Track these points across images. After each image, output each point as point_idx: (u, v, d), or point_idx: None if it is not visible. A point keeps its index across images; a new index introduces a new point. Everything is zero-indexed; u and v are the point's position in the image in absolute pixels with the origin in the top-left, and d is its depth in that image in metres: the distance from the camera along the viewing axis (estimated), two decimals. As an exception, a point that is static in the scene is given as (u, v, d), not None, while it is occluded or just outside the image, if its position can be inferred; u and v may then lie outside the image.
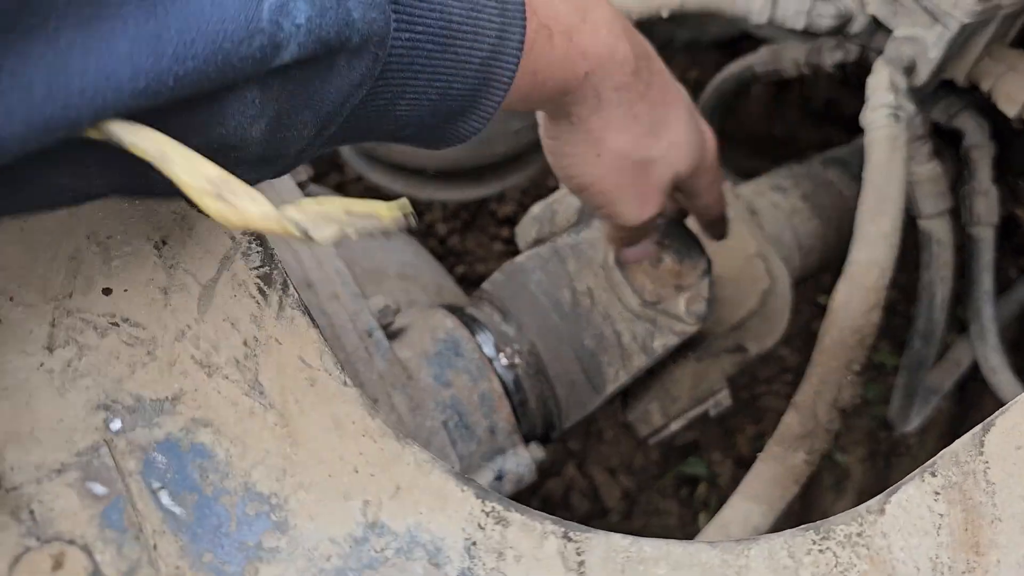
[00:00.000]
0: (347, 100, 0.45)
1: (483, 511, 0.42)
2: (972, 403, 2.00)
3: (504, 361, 0.96)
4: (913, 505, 0.43)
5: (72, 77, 0.33)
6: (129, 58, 0.34)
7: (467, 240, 2.13)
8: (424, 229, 2.09)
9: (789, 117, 2.36)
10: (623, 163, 0.69)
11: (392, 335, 0.96)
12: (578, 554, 0.41)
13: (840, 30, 1.05)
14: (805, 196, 1.16)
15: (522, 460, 0.95)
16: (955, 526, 0.42)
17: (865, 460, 1.96)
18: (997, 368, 1.20)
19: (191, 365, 0.44)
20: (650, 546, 0.41)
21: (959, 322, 2.05)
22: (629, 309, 0.94)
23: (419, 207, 2.12)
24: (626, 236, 0.85)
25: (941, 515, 0.43)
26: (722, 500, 1.81)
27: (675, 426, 1.01)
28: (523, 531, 0.41)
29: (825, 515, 1.67)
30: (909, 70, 0.98)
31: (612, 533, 0.42)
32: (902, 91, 0.97)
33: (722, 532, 0.82)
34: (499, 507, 0.42)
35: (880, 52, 1.05)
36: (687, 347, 1.01)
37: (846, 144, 1.34)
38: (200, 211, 0.38)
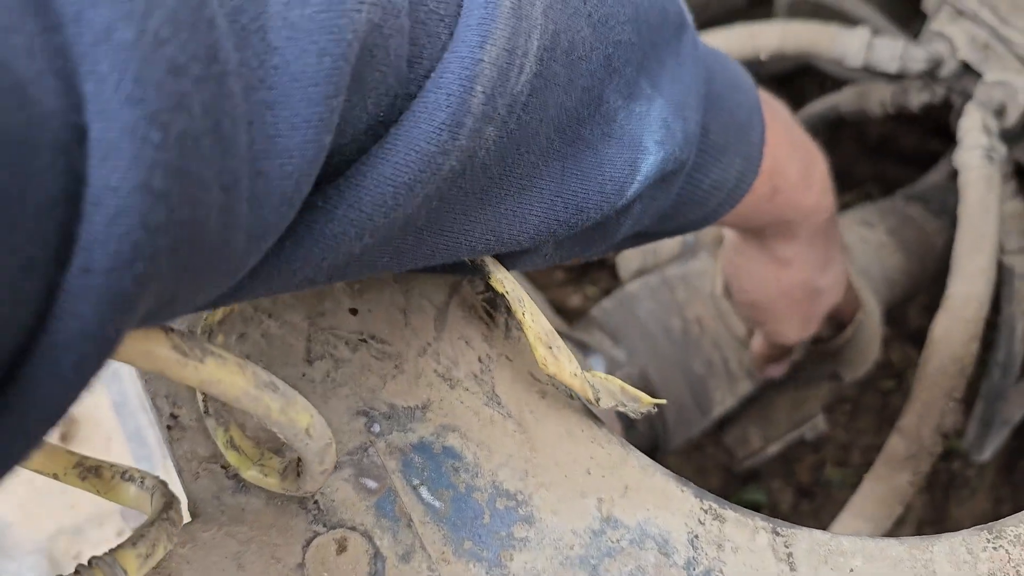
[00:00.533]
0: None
1: (702, 508, 0.47)
2: (1032, 435, 2.02)
3: (615, 385, 1.01)
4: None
5: (496, 232, 0.45)
6: (537, 222, 0.46)
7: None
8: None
9: (845, 150, 2.41)
10: (798, 290, 0.79)
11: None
12: (786, 546, 0.46)
13: (930, 74, 1.11)
14: (891, 231, 1.21)
15: (631, 478, 1.00)
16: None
17: (924, 491, 1.99)
18: (1075, 401, 1.24)
19: (435, 378, 0.50)
20: (847, 541, 0.46)
21: None
22: (736, 337, 1.00)
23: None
24: (775, 353, 0.94)
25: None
26: (788, 526, 1.84)
27: (773, 449, 1.06)
28: (737, 526, 0.47)
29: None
30: (999, 113, 1.04)
31: (814, 529, 0.48)
32: (994, 133, 1.03)
33: (834, 549, 0.86)
34: (715, 505, 0.47)
35: (964, 94, 1.11)
36: (787, 374, 1.06)
37: (921, 180, 1.39)
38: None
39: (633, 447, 0.50)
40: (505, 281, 0.48)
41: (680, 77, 0.54)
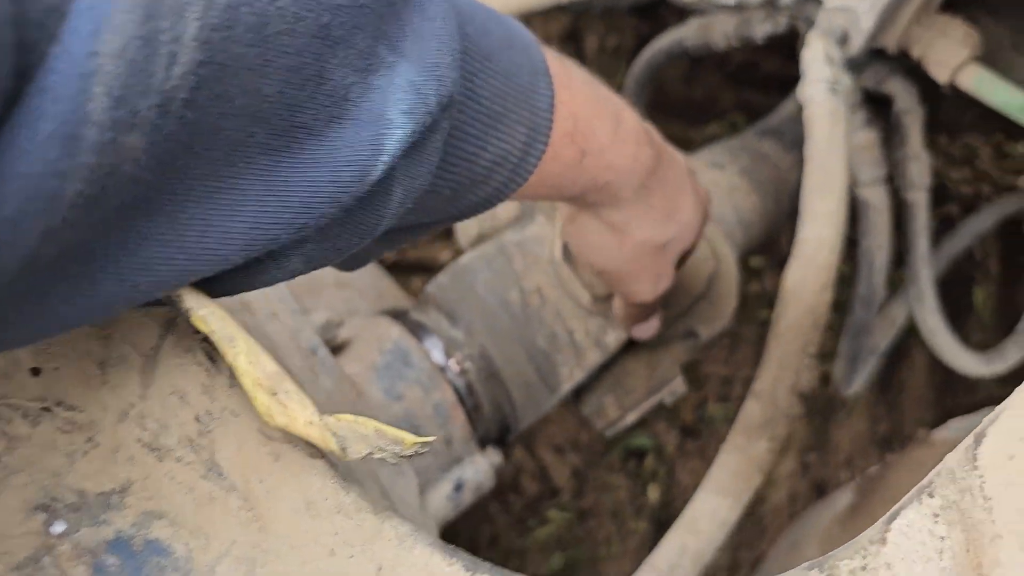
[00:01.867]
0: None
1: (475, 585, 0.39)
2: (902, 356, 2.05)
3: (455, 368, 0.93)
4: (914, 530, 0.42)
5: (185, 251, 0.37)
6: (245, 228, 0.38)
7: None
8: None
9: (707, 80, 2.36)
10: (642, 250, 0.73)
11: (336, 350, 0.92)
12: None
13: (771, 2, 1.03)
14: (743, 171, 1.15)
15: (480, 467, 0.93)
16: (957, 548, 0.41)
17: (804, 417, 1.99)
18: (936, 330, 1.22)
19: (138, 449, 0.40)
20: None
21: (895, 281, 2.09)
22: (580, 305, 0.92)
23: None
24: (639, 312, 0.86)
25: (942, 538, 0.42)
26: (669, 470, 1.82)
27: (631, 417, 1.00)
28: (520, 602, 0.39)
29: (770, 475, 1.67)
30: (842, 41, 0.97)
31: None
32: (837, 63, 0.96)
33: (692, 528, 0.81)
34: (491, 579, 0.39)
35: (809, 22, 1.04)
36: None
37: (774, 111, 1.33)
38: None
39: (392, 512, 0.41)
40: (210, 317, 0.38)
41: (429, 33, 0.45)
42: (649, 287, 0.78)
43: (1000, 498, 0.43)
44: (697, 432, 1.93)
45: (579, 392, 1.03)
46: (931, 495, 0.43)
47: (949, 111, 1.45)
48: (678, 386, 1.00)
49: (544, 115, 0.55)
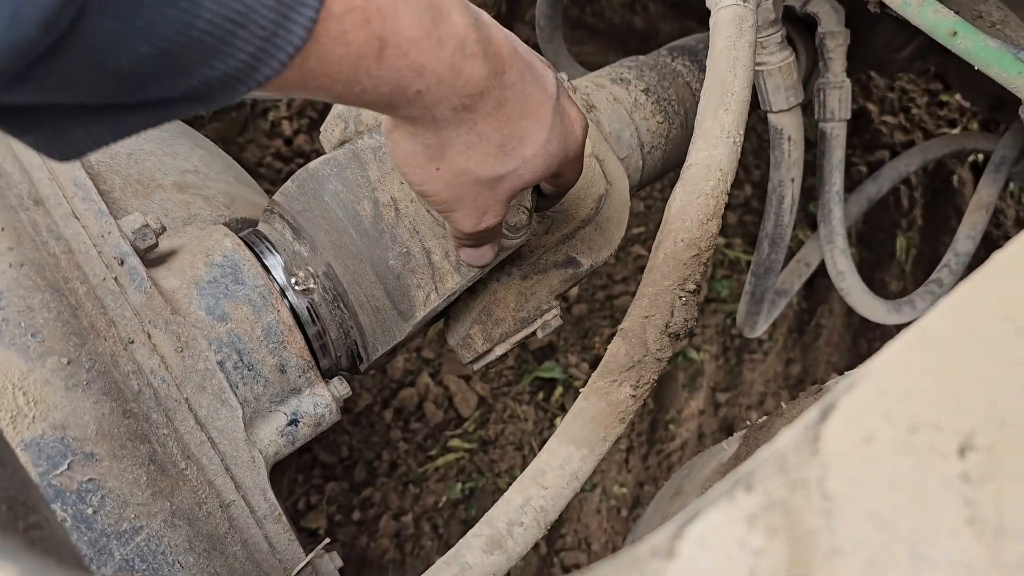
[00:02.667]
0: None
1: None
2: (820, 299, 1.93)
3: (297, 286, 0.77)
4: (718, 540, 0.28)
5: None
6: None
7: (316, 139, 1.89)
8: (268, 128, 1.84)
9: (650, 8, 2.18)
10: (463, 180, 0.59)
11: (154, 261, 0.75)
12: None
13: None
14: (648, 89, 0.99)
15: (321, 400, 0.78)
16: (776, 569, 0.27)
17: (718, 357, 1.88)
18: (845, 272, 1.08)
19: None
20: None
21: (810, 218, 1.97)
22: (439, 222, 0.77)
23: (264, 104, 1.87)
24: (467, 240, 0.69)
25: (757, 552, 0.28)
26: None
27: (499, 350, 0.85)
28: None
29: (680, 413, 1.57)
30: (759, -59, 0.81)
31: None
32: (751, -35, 0.80)
33: (538, 480, 0.67)
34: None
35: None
36: (511, 263, 0.84)
37: (693, 34, 1.17)
38: None
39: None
40: None
41: None
42: (469, 221, 0.63)
43: (846, 498, 0.29)
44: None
45: (447, 320, 0.88)
46: (749, 488, 0.29)
47: (884, 46, 1.30)
48: (553, 319, 0.85)
49: None
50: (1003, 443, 0.31)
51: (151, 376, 0.71)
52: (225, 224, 0.85)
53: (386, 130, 0.58)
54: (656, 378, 0.70)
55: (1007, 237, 1.99)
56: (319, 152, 1.87)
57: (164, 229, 0.74)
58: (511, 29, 2.07)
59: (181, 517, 0.70)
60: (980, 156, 2.02)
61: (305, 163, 1.83)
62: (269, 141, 1.81)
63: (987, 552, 0.29)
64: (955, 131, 2.19)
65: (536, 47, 1.43)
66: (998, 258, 0.35)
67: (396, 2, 0.46)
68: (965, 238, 1.22)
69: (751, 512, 0.28)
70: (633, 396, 0.69)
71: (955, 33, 0.84)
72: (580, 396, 0.69)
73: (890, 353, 0.32)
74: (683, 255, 0.70)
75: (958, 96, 2.18)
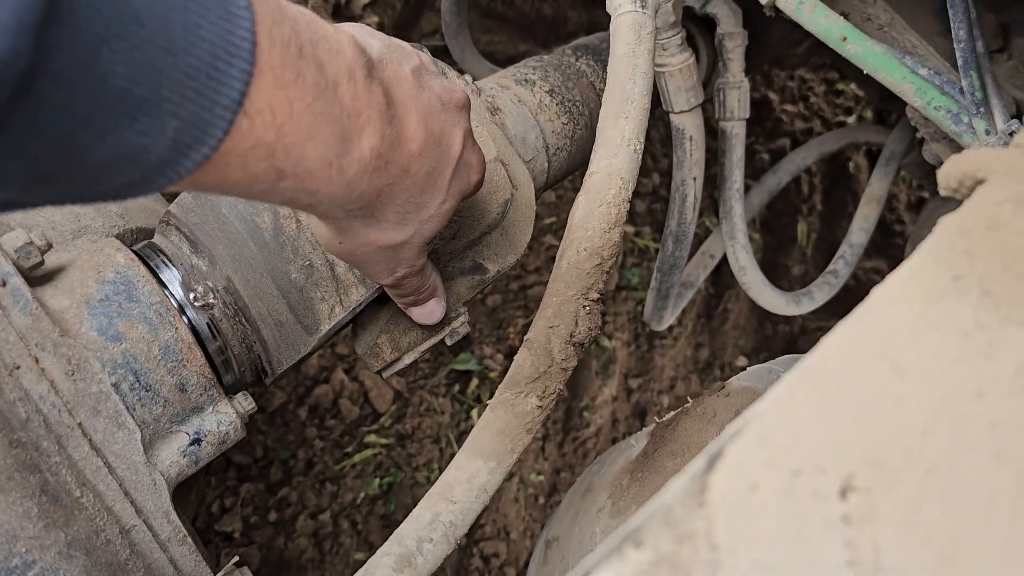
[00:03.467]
0: None
1: None
2: (727, 285, 1.98)
3: (196, 302, 0.74)
4: (608, 600, 0.28)
5: None
6: None
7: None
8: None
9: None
10: (366, 249, 0.60)
11: (40, 279, 0.71)
12: None
13: None
14: (553, 90, 0.98)
15: (225, 417, 0.75)
16: (664, 625, 0.27)
17: (630, 344, 1.91)
18: (747, 267, 1.11)
19: None
20: None
21: (716, 206, 2.01)
22: (342, 235, 0.75)
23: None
24: (390, 290, 0.71)
25: (646, 610, 0.28)
26: (494, 395, 1.70)
27: (408, 359, 0.84)
28: None
29: (594, 400, 1.58)
30: (657, -53, 0.81)
31: None
32: (649, -29, 0.80)
33: (446, 495, 0.67)
34: None
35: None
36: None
37: (597, 33, 1.17)
38: None
39: None
40: None
41: None
42: (382, 277, 0.65)
43: (732, 548, 0.29)
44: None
45: (355, 328, 0.86)
46: (638, 544, 0.29)
47: (780, 43, 1.33)
48: (460, 326, 0.85)
49: (220, 114, 0.39)
50: (880, 484, 0.32)
51: (40, 402, 0.67)
52: (119, 236, 0.81)
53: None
54: (562, 387, 0.70)
55: (900, 222, 2.08)
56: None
57: (50, 245, 0.71)
58: (420, 18, 2.03)
59: (77, 547, 0.67)
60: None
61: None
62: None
63: (865, 593, 0.30)
64: (851, 119, 2.26)
65: (442, 43, 1.40)
66: (875, 296, 0.36)
67: (306, 139, 0.45)
68: (859, 230, 1.26)
69: (640, 570, 0.28)
70: (539, 407, 0.69)
71: (845, 38, 0.86)
72: (487, 408, 0.69)
73: (774, 396, 0.33)
74: (586, 264, 0.70)
75: (853, 85, 2.24)
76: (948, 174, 0.41)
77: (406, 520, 0.66)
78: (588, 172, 0.74)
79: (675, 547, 0.29)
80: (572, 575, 0.28)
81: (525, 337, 0.70)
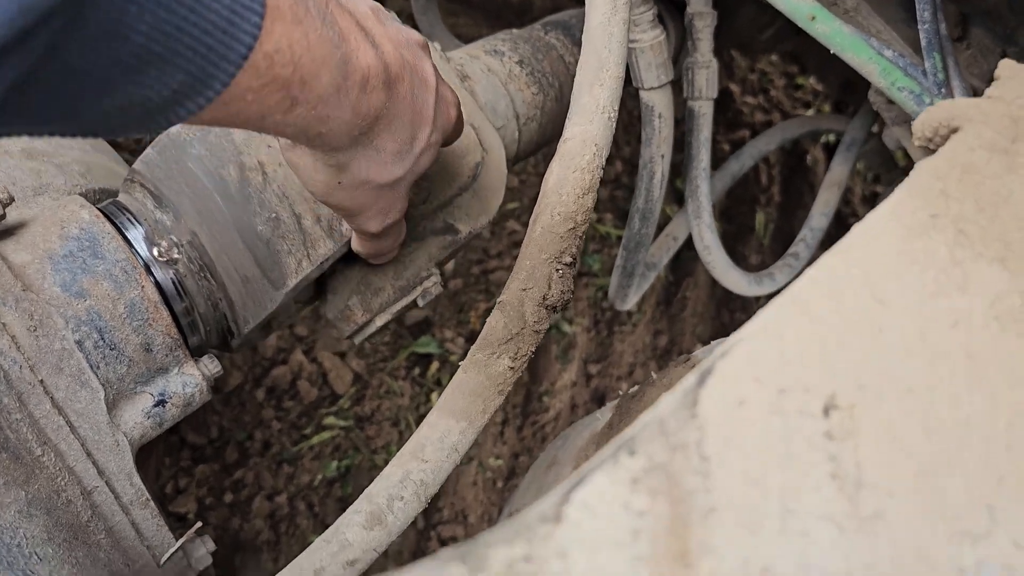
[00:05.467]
0: None
1: None
2: (686, 272, 2.01)
3: (159, 256, 0.74)
4: (603, 503, 0.28)
5: None
6: None
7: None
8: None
9: (523, -18, 2.18)
10: (365, 188, 0.62)
11: (1, 234, 0.70)
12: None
13: None
14: (523, 61, 0.99)
15: (190, 379, 0.74)
16: (658, 529, 0.28)
17: (590, 329, 1.92)
18: (711, 246, 1.13)
19: None
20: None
21: (677, 193, 2.04)
22: (313, 192, 0.74)
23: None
24: (372, 241, 0.73)
25: (640, 513, 0.29)
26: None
27: (380, 321, 0.84)
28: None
29: (554, 385, 1.60)
30: (632, -81, 0.82)
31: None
32: (624, -57, 0.81)
33: (417, 454, 0.67)
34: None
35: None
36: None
37: (567, 10, 1.18)
38: None
39: None
40: None
41: None
42: (375, 223, 0.68)
43: (721, 458, 0.30)
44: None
45: (323, 291, 0.86)
46: (632, 452, 0.30)
47: (748, 26, 1.36)
48: (433, 287, 0.85)
49: (225, 68, 0.41)
50: (862, 403, 0.33)
51: (1, 358, 0.66)
52: (82, 195, 0.80)
53: (284, 146, 0.61)
54: (533, 350, 0.71)
55: (855, 214, 2.13)
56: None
57: (12, 199, 0.69)
58: (385, -2, 2.02)
59: (38, 506, 0.66)
60: (832, 137, 2.14)
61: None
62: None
63: (848, 505, 0.31)
64: (810, 112, 2.31)
65: (412, 18, 1.40)
66: (857, 230, 0.38)
67: (317, 67, 0.47)
68: (819, 214, 1.29)
69: (634, 475, 0.29)
70: (511, 368, 0.69)
71: (814, 18, 0.88)
72: (459, 369, 0.69)
73: (761, 319, 0.34)
74: (559, 228, 0.71)
75: (812, 79, 2.29)
76: (924, 123, 0.43)
77: (377, 479, 0.66)
78: (563, 138, 0.75)
79: (668, 455, 0.30)
80: (569, 480, 0.29)
81: (498, 300, 0.70)
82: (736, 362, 0.32)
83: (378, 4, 0.61)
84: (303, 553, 0.63)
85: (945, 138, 0.42)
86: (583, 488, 0.28)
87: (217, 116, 0.44)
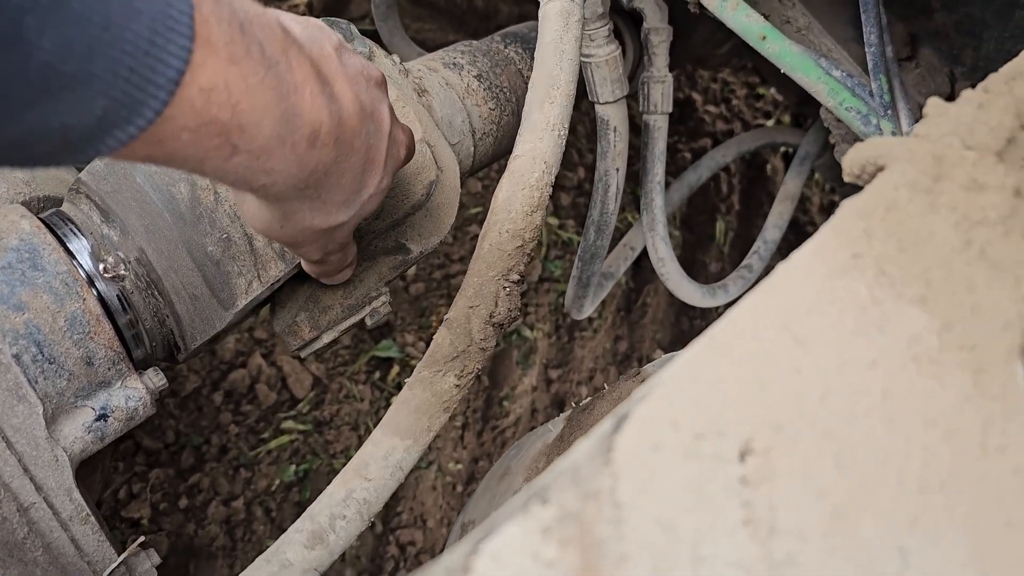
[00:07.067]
0: None
1: None
2: (646, 279, 2.02)
3: (105, 273, 0.72)
4: (513, 554, 0.28)
5: None
6: None
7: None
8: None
9: (489, -11, 2.17)
10: (306, 232, 0.60)
11: (-63, 244, 0.68)
12: None
13: None
14: (481, 75, 0.98)
15: (133, 392, 0.73)
16: (568, 578, 0.28)
17: (551, 335, 1.92)
18: (665, 258, 1.13)
19: None
20: None
21: (638, 200, 2.04)
22: (261, 209, 0.73)
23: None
24: (318, 265, 0.71)
25: (550, 563, 0.28)
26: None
27: (327, 338, 0.83)
28: None
29: (514, 390, 1.59)
30: (586, -63, 0.82)
31: None
32: (578, -39, 0.81)
33: (361, 472, 0.66)
34: None
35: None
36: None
37: (527, 21, 1.18)
38: None
39: None
40: None
41: None
42: (315, 255, 0.66)
43: (634, 505, 0.30)
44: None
45: (273, 306, 0.85)
46: (544, 501, 0.29)
47: (704, 43, 1.36)
48: (382, 306, 0.84)
49: (154, 93, 0.39)
50: (778, 446, 0.33)
51: (-66, 372, 0.64)
52: (24, 203, 0.78)
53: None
54: (480, 367, 0.71)
55: (813, 223, 2.15)
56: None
57: (-51, 210, 0.67)
58: (351, 2, 2.00)
59: (-29, 524, 0.65)
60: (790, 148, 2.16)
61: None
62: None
63: (760, 550, 0.31)
64: (770, 122, 2.33)
65: (372, 28, 1.39)
66: (780, 270, 0.38)
67: (262, 116, 0.45)
68: (773, 227, 1.30)
69: (545, 525, 0.29)
70: (457, 386, 0.69)
71: (764, 37, 0.89)
72: (405, 387, 0.69)
73: (681, 362, 0.34)
74: (507, 246, 0.71)
75: (773, 90, 2.31)
76: (852, 160, 0.43)
77: (319, 497, 0.65)
78: (512, 155, 0.74)
79: (580, 504, 0.29)
80: (479, 530, 0.29)
81: (445, 316, 0.70)
82: (654, 406, 0.32)
83: (341, 39, 0.59)
84: (243, 573, 0.62)
85: (872, 175, 0.43)
86: (492, 539, 0.28)
87: (152, 153, 0.42)
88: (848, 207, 0.40)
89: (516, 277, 0.71)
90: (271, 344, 1.68)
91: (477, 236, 1.95)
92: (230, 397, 1.62)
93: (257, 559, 0.63)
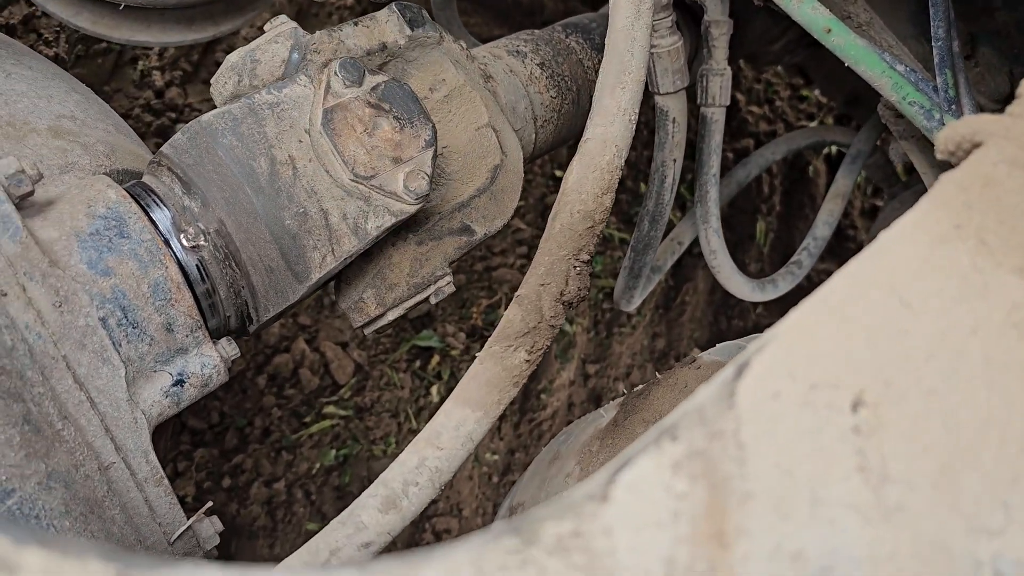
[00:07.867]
0: None
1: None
2: (686, 277, 2.03)
3: (185, 243, 0.75)
4: (647, 485, 0.30)
5: None
6: None
7: (190, 93, 1.81)
8: (138, 78, 1.74)
9: (533, -14, 2.19)
10: None
11: (30, 210, 0.71)
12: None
13: None
14: (544, 63, 1.00)
15: (208, 360, 0.76)
16: (697, 511, 0.30)
17: (589, 330, 1.94)
18: (717, 251, 1.15)
19: None
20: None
21: (680, 198, 2.05)
22: (339, 184, 0.76)
23: (133, 51, 1.76)
24: None
25: (681, 496, 0.30)
26: (455, 372, 1.72)
27: (392, 315, 0.85)
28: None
29: (552, 383, 1.61)
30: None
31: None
32: (649, -50, 0.82)
33: (434, 441, 0.68)
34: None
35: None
36: (406, 228, 0.84)
37: (587, 13, 1.19)
38: None
39: None
40: None
41: None
42: None
43: (756, 447, 0.32)
44: (485, 336, 1.83)
45: (339, 282, 0.87)
46: (674, 438, 0.31)
47: (757, 38, 1.37)
48: (446, 286, 0.86)
49: None
50: (887, 401, 0.34)
51: (26, 331, 0.67)
52: (107, 174, 0.81)
53: None
54: (549, 344, 0.72)
55: (854, 226, 2.14)
56: (192, 107, 1.79)
57: (41, 176, 0.70)
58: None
59: (57, 479, 0.67)
60: (835, 149, 2.16)
61: (178, 118, 1.75)
62: (138, 92, 1.71)
63: (873, 496, 0.32)
64: (813, 124, 2.33)
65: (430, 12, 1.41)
66: (884, 237, 0.39)
67: None
68: (823, 224, 1.31)
69: (675, 460, 0.30)
70: (527, 361, 0.71)
71: (830, 30, 0.90)
72: (476, 360, 0.71)
73: (795, 318, 0.35)
74: (578, 226, 0.72)
75: (817, 91, 2.31)
76: (947, 138, 0.44)
77: (392, 464, 0.67)
78: (584, 138, 0.76)
79: (707, 443, 0.31)
80: (613, 463, 0.30)
81: (516, 293, 0.72)
82: (771, 357, 0.33)
83: None
84: (319, 533, 0.64)
85: (967, 152, 0.44)
86: (628, 470, 0.30)
87: None
88: (947, 180, 0.41)
89: (586, 257, 0.73)
90: (315, 330, 1.71)
91: (519, 230, 1.97)
92: (274, 381, 1.65)
93: (332, 521, 0.65)
